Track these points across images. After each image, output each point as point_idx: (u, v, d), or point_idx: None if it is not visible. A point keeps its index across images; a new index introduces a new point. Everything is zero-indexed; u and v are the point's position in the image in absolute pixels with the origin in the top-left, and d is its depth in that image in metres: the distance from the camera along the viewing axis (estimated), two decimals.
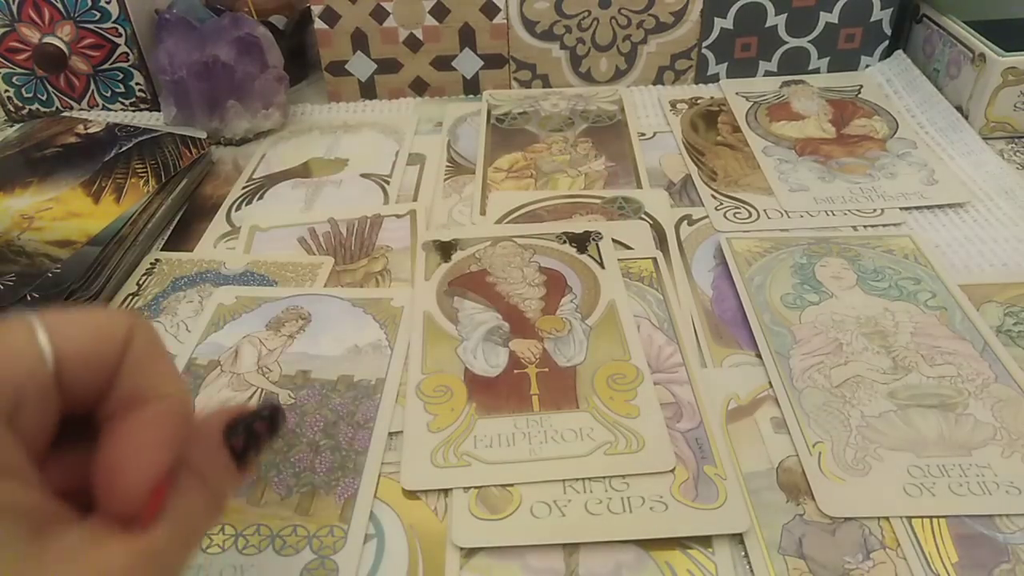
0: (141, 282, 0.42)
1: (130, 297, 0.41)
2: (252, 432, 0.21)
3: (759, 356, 0.35)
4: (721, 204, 0.46)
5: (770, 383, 0.34)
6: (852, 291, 0.38)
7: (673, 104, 0.57)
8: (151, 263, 0.44)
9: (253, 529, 0.29)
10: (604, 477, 0.30)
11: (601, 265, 0.40)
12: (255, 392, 0.35)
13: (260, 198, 0.49)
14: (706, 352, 0.36)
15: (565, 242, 0.42)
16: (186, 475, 0.20)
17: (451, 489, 0.30)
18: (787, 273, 0.40)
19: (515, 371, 0.35)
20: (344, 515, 0.29)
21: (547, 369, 0.35)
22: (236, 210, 0.48)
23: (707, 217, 0.45)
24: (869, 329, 0.36)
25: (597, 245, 0.42)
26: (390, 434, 0.32)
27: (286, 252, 0.44)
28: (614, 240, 0.42)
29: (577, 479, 0.30)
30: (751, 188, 0.47)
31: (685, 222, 0.44)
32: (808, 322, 0.37)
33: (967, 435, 0.31)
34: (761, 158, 0.50)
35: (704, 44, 0.58)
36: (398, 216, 0.46)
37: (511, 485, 0.30)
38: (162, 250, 0.45)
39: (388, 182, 0.50)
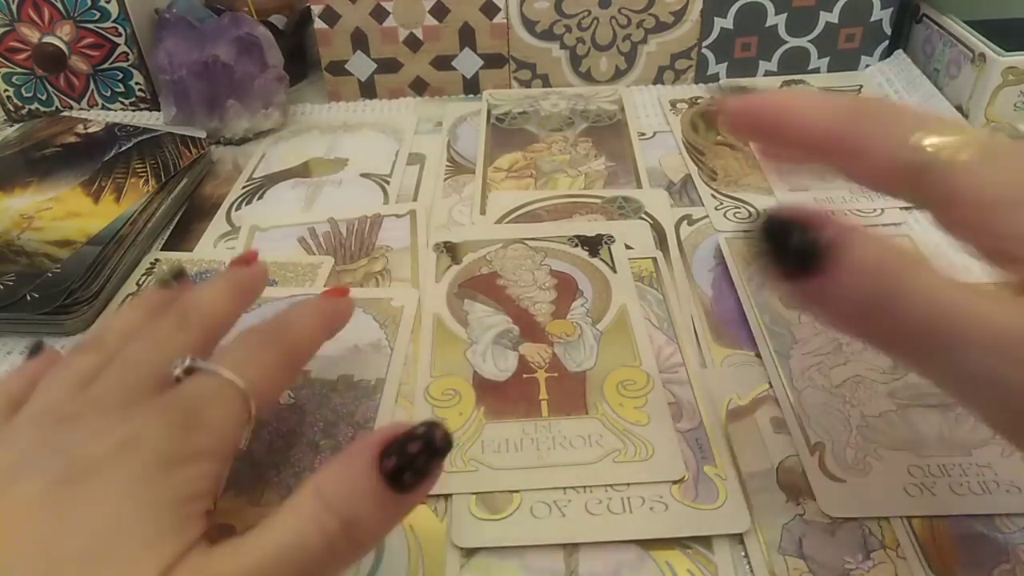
0: (141, 282, 0.42)
1: (130, 297, 0.41)
2: (405, 453, 0.21)
3: (759, 356, 0.35)
4: (721, 204, 0.46)
5: (770, 383, 0.34)
6: None
7: (673, 104, 0.57)
8: (151, 263, 0.44)
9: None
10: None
11: (613, 269, 0.40)
12: None
13: (260, 198, 0.49)
14: (706, 352, 0.36)
15: (577, 245, 0.42)
16: (307, 496, 0.21)
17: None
18: None
19: (524, 375, 0.34)
20: None
21: (557, 374, 0.34)
22: (236, 210, 0.48)
23: (707, 217, 0.45)
24: None
25: (609, 248, 0.41)
26: None
27: (286, 252, 0.44)
28: None
29: None
30: (751, 188, 0.47)
31: (685, 222, 0.44)
32: (808, 322, 0.36)
33: (967, 434, 0.31)
34: (761, 157, 0.50)
35: (704, 44, 0.58)
36: (398, 216, 0.46)
37: (517, 491, 0.30)
38: (162, 250, 0.45)
39: (388, 182, 0.50)
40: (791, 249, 0.20)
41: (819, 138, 0.23)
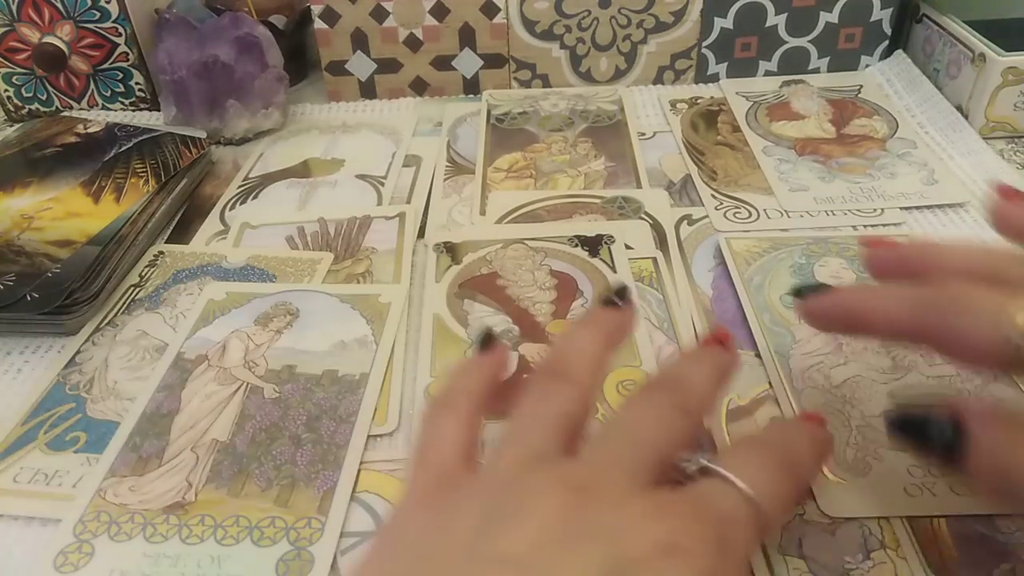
0: (144, 274, 0.42)
1: (132, 288, 0.41)
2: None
3: (759, 356, 0.35)
4: (721, 204, 0.46)
5: (770, 383, 0.34)
6: None
7: (673, 104, 0.57)
8: (155, 254, 0.44)
9: (232, 520, 0.29)
10: None
11: (613, 269, 0.40)
12: (240, 386, 0.35)
13: (255, 198, 0.49)
14: None
15: (577, 245, 0.42)
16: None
17: None
18: (786, 273, 0.39)
19: (525, 375, 0.34)
20: (322, 507, 0.29)
21: None
22: (230, 209, 0.48)
23: (707, 217, 0.45)
24: None
25: (609, 248, 0.41)
26: (381, 435, 0.33)
27: (275, 250, 0.44)
28: None
29: None
30: (751, 188, 0.47)
31: (685, 222, 0.44)
32: None
33: None
34: (761, 158, 0.50)
35: (704, 44, 0.58)
36: (387, 218, 0.46)
37: None
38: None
39: (383, 184, 0.50)
40: (933, 445, 0.23)
41: (904, 332, 0.25)
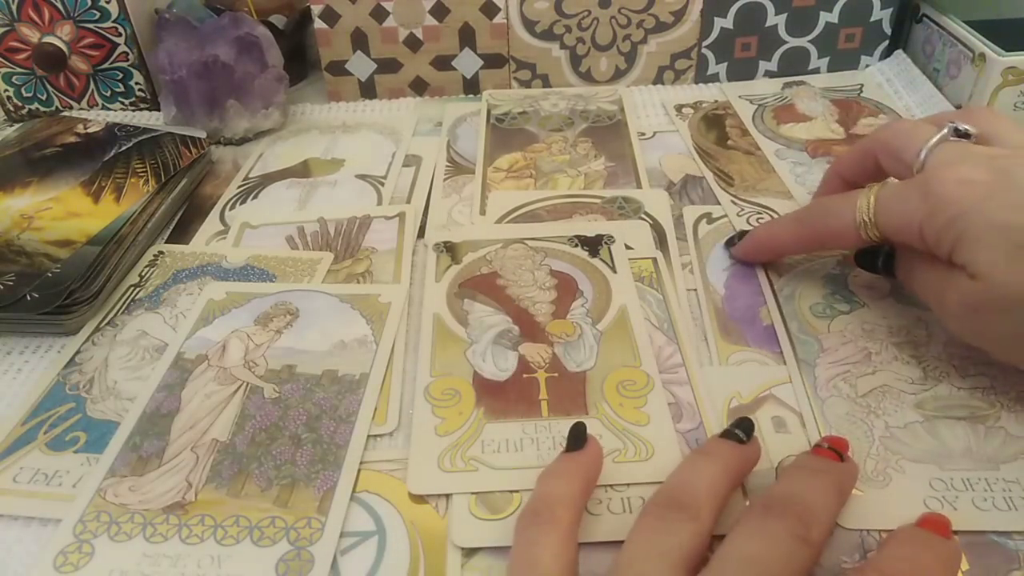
0: (144, 274, 0.42)
1: (132, 288, 0.41)
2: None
3: (763, 353, 0.35)
4: (743, 210, 0.45)
5: (796, 400, 0.33)
6: (885, 300, 0.37)
7: (679, 108, 0.56)
8: (155, 254, 0.44)
9: (232, 520, 0.29)
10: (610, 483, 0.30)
11: (613, 269, 0.40)
12: (240, 386, 0.35)
13: (255, 198, 0.49)
14: (713, 349, 0.36)
15: (577, 245, 0.42)
16: None
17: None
18: (819, 283, 0.39)
19: (524, 375, 0.34)
20: (322, 507, 0.29)
21: (557, 374, 0.34)
22: (230, 209, 0.48)
23: (725, 216, 0.44)
24: (900, 339, 0.35)
25: (609, 248, 0.41)
26: (381, 435, 0.33)
27: (274, 249, 0.44)
28: None
29: None
30: (769, 192, 0.46)
31: (704, 220, 0.44)
32: (837, 331, 0.36)
33: (996, 448, 0.30)
34: (775, 161, 0.49)
35: (704, 44, 0.58)
36: (387, 218, 0.46)
37: (517, 491, 0.29)
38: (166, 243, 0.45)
39: (383, 183, 0.50)
40: (878, 266, 0.36)
41: (800, 242, 0.37)
